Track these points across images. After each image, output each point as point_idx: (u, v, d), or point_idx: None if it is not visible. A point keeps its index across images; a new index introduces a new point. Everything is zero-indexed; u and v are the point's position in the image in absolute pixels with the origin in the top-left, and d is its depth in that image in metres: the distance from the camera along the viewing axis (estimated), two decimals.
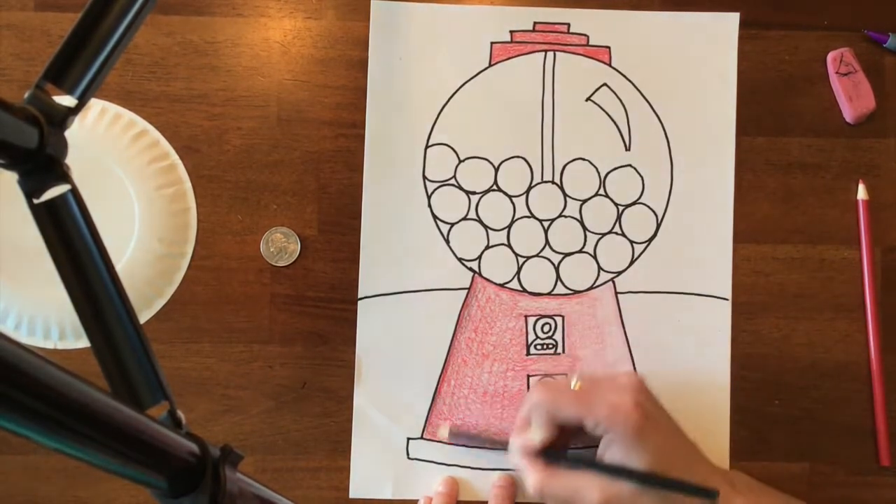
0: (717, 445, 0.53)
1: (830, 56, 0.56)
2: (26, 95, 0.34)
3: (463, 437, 0.53)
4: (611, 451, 0.46)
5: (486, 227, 0.55)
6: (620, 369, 0.54)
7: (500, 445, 0.52)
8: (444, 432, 0.53)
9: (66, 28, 0.51)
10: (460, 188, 0.55)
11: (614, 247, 0.55)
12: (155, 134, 0.54)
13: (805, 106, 0.56)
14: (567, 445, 0.50)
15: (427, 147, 0.55)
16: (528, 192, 0.55)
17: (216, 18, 0.55)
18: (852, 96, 0.55)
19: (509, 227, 0.55)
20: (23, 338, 0.53)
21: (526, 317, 0.54)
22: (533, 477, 0.47)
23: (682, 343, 0.54)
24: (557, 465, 0.47)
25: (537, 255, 0.55)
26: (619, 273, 0.55)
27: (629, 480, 0.45)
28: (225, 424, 0.53)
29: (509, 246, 0.55)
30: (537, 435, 0.47)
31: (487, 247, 0.55)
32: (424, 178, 0.55)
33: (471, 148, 0.55)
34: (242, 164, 0.54)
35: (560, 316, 0.54)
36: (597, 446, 0.48)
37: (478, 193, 0.55)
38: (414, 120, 0.55)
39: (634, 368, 0.54)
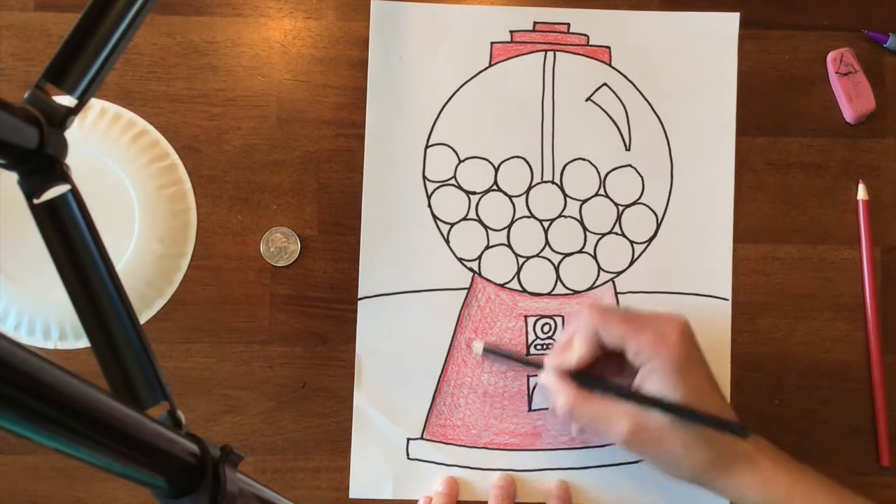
0: None
1: (830, 56, 0.56)
2: (26, 95, 0.34)
3: (496, 354, 0.53)
4: (648, 383, 0.46)
5: (486, 227, 0.55)
6: None
7: (534, 363, 0.51)
8: (477, 346, 0.53)
9: (66, 28, 0.51)
10: (460, 188, 0.55)
11: (614, 247, 0.55)
12: (155, 134, 0.54)
13: (805, 106, 0.56)
14: (601, 380, 0.50)
15: (427, 147, 0.55)
16: (528, 192, 0.55)
17: (216, 18, 0.55)
18: (852, 96, 0.55)
19: (509, 227, 0.55)
20: (23, 338, 0.53)
21: (526, 317, 0.54)
22: (565, 396, 0.47)
23: None
24: (591, 388, 0.47)
25: (537, 256, 0.55)
26: (619, 273, 0.55)
27: (663, 412, 0.45)
28: (225, 424, 0.53)
29: (509, 246, 0.55)
30: (578, 352, 0.47)
31: (487, 247, 0.55)
32: (424, 178, 0.55)
33: (471, 148, 0.55)
34: (242, 164, 0.54)
35: (560, 316, 0.54)
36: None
37: (478, 193, 0.55)
38: (414, 120, 0.55)
39: None
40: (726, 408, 0.48)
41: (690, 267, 0.55)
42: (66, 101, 0.35)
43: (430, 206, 0.55)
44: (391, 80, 0.55)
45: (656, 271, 0.55)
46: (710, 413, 0.45)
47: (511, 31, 0.55)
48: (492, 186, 0.55)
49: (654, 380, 0.45)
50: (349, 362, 0.54)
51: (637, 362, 0.46)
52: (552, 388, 0.48)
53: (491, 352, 0.53)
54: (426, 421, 0.54)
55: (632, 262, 0.55)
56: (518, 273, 0.54)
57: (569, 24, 0.55)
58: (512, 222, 0.55)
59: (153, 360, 0.35)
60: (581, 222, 0.55)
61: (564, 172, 0.55)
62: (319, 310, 0.54)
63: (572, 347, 0.48)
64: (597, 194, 0.55)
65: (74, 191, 0.35)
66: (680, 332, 0.46)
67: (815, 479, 0.47)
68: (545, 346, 0.54)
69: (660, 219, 0.55)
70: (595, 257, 0.55)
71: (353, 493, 0.53)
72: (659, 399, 0.45)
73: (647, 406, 0.45)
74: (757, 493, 0.46)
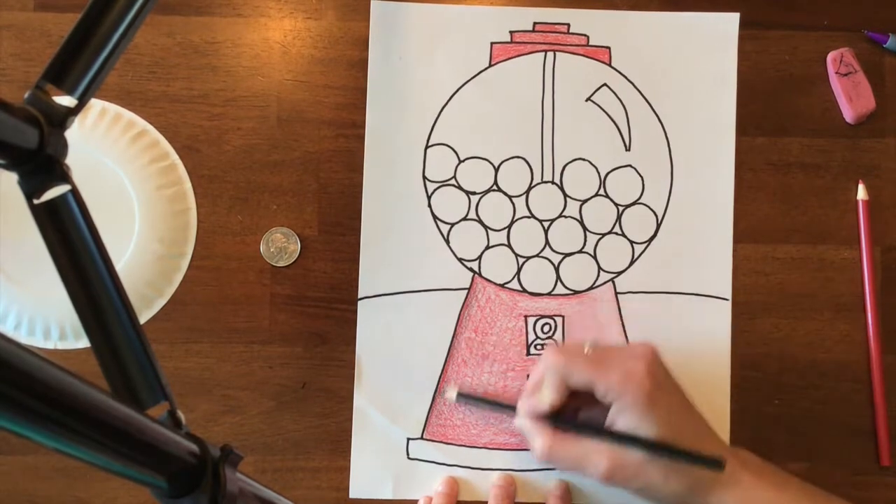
0: None
1: (830, 56, 0.56)
2: (26, 96, 0.34)
3: (470, 400, 0.53)
4: (621, 419, 0.46)
5: (486, 227, 0.55)
6: None
7: (508, 408, 0.51)
8: (451, 394, 0.52)
9: (66, 28, 0.51)
10: (460, 188, 0.55)
11: (614, 247, 0.55)
12: (155, 134, 0.54)
13: (805, 106, 0.56)
14: (575, 416, 0.50)
15: (427, 147, 0.55)
16: (528, 192, 0.55)
17: (216, 18, 0.55)
18: (852, 96, 0.55)
19: (509, 227, 0.55)
20: (23, 338, 0.53)
21: (526, 317, 0.54)
22: (541, 441, 0.47)
23: (682, 343, 0.54)
24: (566, 430, 0.47)
25: (537, 256, 0.55)
26: (619, 273, 0.55)
27: (638, 448, 0.45)
28: (225, 424, 0.53)
29: (509, 246, 0.55)
30: (548, 398, 0.47)
31: (487, 247, 0.55)
32: (424, 178, 0.55)
33: (471, 148, 0.55)
34: (242, 164, 0.54)
35: (560, 316, 0.54)
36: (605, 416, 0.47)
37: (478, 193, 0.55)
38: (414, 120, 0.55)
39: None
40: (704, 431, 0.48)
41: (690, 267, 0.55)
42: (66, 101, 0.35)
43: (430, 206, 0.55)
44: (391, 80, 0.55)
45: (656, 271, 0.55)
46: (684, 447, 0.45)
47: (511, 32, 0.55)
48: (492, 186, 0.55)
49: (625, 416, 0.46)
50: (349, 362, 0.54)
51: (607, 400, 0.46)
52: (527, 432, 0.48)
53: (465, 397, 0.53)
54: (426, 421, 0.54)
55: (632, 262, 0.55)
56: (518, 273, 0.54)
57: (569, 25, 0.55)
58: (512, 222, 0.55)
59: (153, 360, 0.35)
60: (581, 222, 0.55)
61: (564, 172, 0.55)
62: (319, 310, 0.54)
63: (542, 393, 0.48)
64: (597, 194, 0.55)
65: (74, 191, 0.35)
66: (646, 366, 0.46)
67: (800, 490, 0.47)
68: (545, 346, 0.54)
69: (660, 219, 0.55)
70: (595, 257, 0.55)
71: (353, 493, 0.53)
72: (633, 436, 0.45)
73: (622, 444, 0.45)
74: None
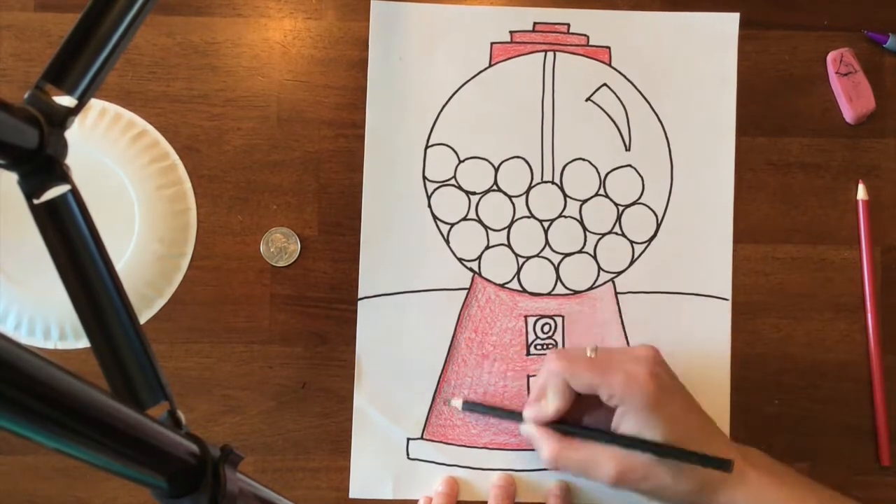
0: None
1: (830, 56, 0.56)
2: (26, 96, 0.34)
3: (476, 408, 0.53)
4: (625, 423, 0.46)
5: (486, 227, 0.55)
6: None
7: (514, 416, 0.51)
8: (456, 403, 0.53)
9: (66, 28, 0.51)
10: (460, 188, 0.55)
11: (614, 247, 0.55)
12: (155, 134, 0.54)
13: (805, 106, 0.56)
14: (581, 419, 0.50)
15: (427, 147, 0.55)
16: (528, 192, 0.55)
17: (216, 19, 0.55)
18: (852, 96, 0.55)
19: (509, 227, 0.55)
20: (23, 338, 0.53)
21: (526, 317, 0.54)
22: (547, 447, 0.47)
23: (682, 343, 0.54)
24: (572, 435, 0.47)
25: (537, 256, 0.55)
26: (619, 273, 0.55)
27: (644, 451, 0.45)
28: (225, 424, 0.53)
29: (509, 246, 0.55)
30: (552, 404, 0.47)
31: (487, 247, 0.55)
32: (424, 178, 0.55)
33: (471, 148, 0.55)
34: (242, 164, 0.54)
35: (560, 316, 0.54)
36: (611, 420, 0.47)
37: (478, 194, 0.55)
38: (414, 120, 0.55)
39: None
40: (710, 430, 0.48)
41: (690, 267, 0.55)
42: (66, 101, 0.35)
43: (430, 206, 0.55)
44: (391, 80, 0.55)
45: (656, 271, 0.55)
46: (691, 449, 0.45)
47: (511, 32, 0.55)
48: (492, 186, 0.55)
49: (630, 420, 0.46)
50: (349, 362, 0.54)
51: (612, 404, 0.46)
52: (534, 439, 0.49)
53: (470, 406, 0.53)
54: (426, 421, 0.54)
55: (632, 262, 0.55)
56: (518, 273, 0.54)
57: (569, 25, 0.55)
58: (512, 222, 0.55)
59: (153, 360, 0.35)
60: (581, 222, 0.55)
61: (564, 172, 0.55)
62: (319, 310, 0.54)
63: (546, 400, 0.48)
64: (597, 194, 0.55)
65: (74, 191, 0.35)
66: (649, 368, 0.46)
67: (807, 487, 0.47)
68: (545, 346, 0.54)
69: (660, 219, 0.55)
70: (595, 257, 0.55)
71: (353, 493, 0.53)
72: (640, 440, 0.45)
73: (629, 447, 0.45)
74: None
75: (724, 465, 0.44)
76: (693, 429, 0.47)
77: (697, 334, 0.54)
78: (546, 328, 0.54)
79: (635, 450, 0.45)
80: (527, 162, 0.55)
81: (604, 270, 0.55)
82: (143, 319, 0.53)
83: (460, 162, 0.55)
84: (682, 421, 0.46)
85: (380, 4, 0.55)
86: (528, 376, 0.54)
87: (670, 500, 0.47)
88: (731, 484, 0.46)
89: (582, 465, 0.46)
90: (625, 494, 0.52)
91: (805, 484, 0.47)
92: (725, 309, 0.54)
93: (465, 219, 0.55)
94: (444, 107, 0.55)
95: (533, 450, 0.53)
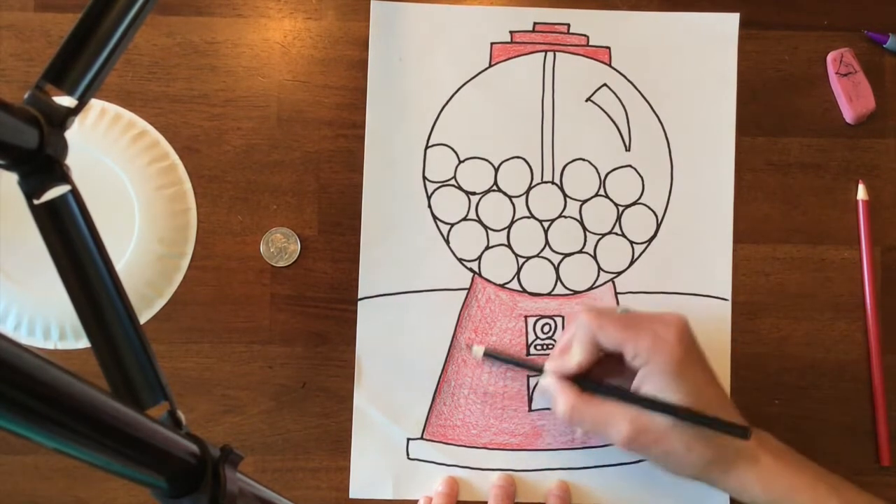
0: None
1: (830, 56, 0.56)
2: (26, 96, 0.34)
3: (496, 359, 0.53)
4: (647, 384, 0.46)
5: (486, 227, 0.55)
6: None
7: (535, 367, 0.51)
8: (478, 351, 0.53)
9: (66, 28, 0.51)
10: (460, 188, 0.55)
11: (614, 247, 0.55)
12: (155, 134, 0.54)
13: (805, 106, 0.56)
14: (601, 382, 0.50)
15: (427, 147, 0.55)
16: (528, 192, 0.55)
17: (216, 19, 0.55)
18: (852, 96, 0.55)
19: (509, 227, 0.55)
20: (23, 338, 0.53)
21: (526, 317, 0.54)
22: (565, 400, 0.47)
23: None
24: (591, 392, 0.47)
25: (537, 256, 0.55)
26: (619, 273, 0.55)
27: (664, 413, 0.45)
28: (225, 424, 0.53)
29: (509, 246, 0.55)
30: (576, 356, 0.47)
31: (487, 247, 0.55)
32: (424, 178, 0.55)
33: (471, 148, 0.55)
34: (242, 164, 0.54)
35: (560, 316, 0.54)
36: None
37: (478, 194, 0.55)
38: (414, 120, 0.55)
39: None
40: (727, 405, 0.48)
41: (690, 267, 0.55)
42: (66, 101, 0.35)
43: (430, 206, 0.55)
44: (391, 81, 0.55)
45: (656, 271, 0.55)
46: (711, 414, 0.45)
47: (511, 32, 0.55)
48: (492, 187, 0.55)
49: (652, 382, 0.45)
50: (349, 362, 0.54)
51: (635, 365, 0.46)
52: (553, 392, 0.48)
53: (491, 356, 0.53)
54: (426, 421, 0.54)
55: (632, 263, 0.55)
56: (518, 273, 0.54)
57: (569, 25, 0.55)
58: (512, 222, 0.55)
59: (153, 360, 0.35)
60: (581, 222, 0.55)
61: (564, 172, 0.55)
62: (319, 310, 0.54)
63: (571, 352, 0.48)
64: (597, 194, 0.55)
65: (74, 191, 0.35)
66: (677, 333, 0.46)
67: (817, 474, 0.47)
68: (545, 346, 0.54)
69: (660, 219, 0.55)
70: (595, 257, 0.55)
71: (353, 493, 0.53)
72: (660, 401, 0.45)
73: (648, 409, 0.45)
74: (759, 488, 0.46)
75: (742, 431, 0.44)
76: (712, 400, 0.46)
77: (697, 334, 0.54)
78: (546, 328, 0.54)
79: (654, 411, 0.45)
80: (527, 162, 0.55)
81: (604, 271, 0.55)
82: (143, 319, 0.53)
83: (460, 162, 0.55)
84: (702, 390, 0.46)
85: (380, 4, 0.55)
86: (528, 376, 0.54)
87: (678, 471, 0.47)
88: (743, 464, 0.46)
89: (596, 422, 0.46)
90: (626, 494, 0.52)
91: (816, 471, 0.47)
92: (725, 309, 0.54)
93: (465, 219, 0.55)
94: (444, 107, 0.55)
95: (533, 449, 0.53)
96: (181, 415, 0.33)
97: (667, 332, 0.46)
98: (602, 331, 0.46)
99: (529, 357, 0.54)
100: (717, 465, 0.46)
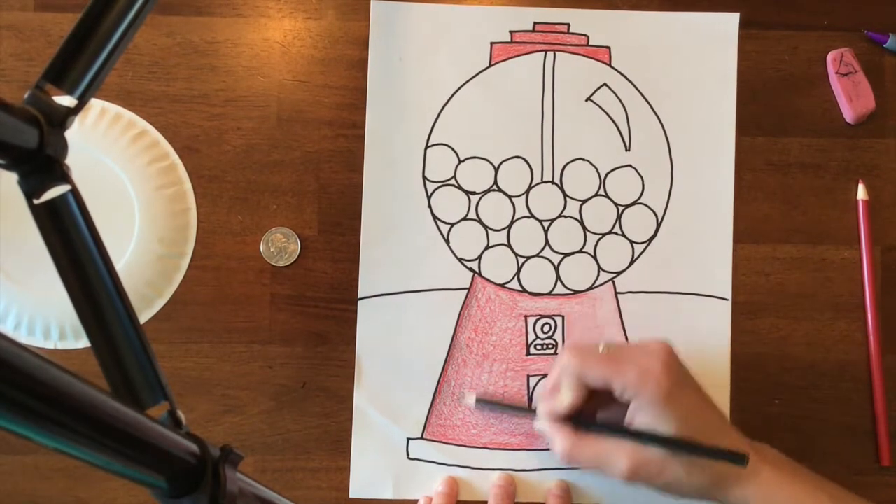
0: None
1: (830, 56, 0.56)
2: (26, 96, 0.34)
3: (488, 405, 0.53)
4: (639, 417, 0.46)
5: (486, 227, 0.55)
6: None
7: (527, 412, 0.51)
8: (469, 400, 0.53)
9: (66, 28, 0.51)
10: (460, 188, 0.55)
11: (614, 247, 0.55)
12: (155, 134, 0.54)
13: (805, 106, 0.56)
14: (594, 415, 0.50)
15: (427, 147, 0.55)
16: (528, 192, 0.55)
17: (216, 18, 0.55)
18: (852, 96, 0.55)
19: (509, 227, 0.55)
20: (23, 338, 0.53)
21: (526, 317, 0.54)
22: (561, 442, 0.47)
23: (682, 343, 0.54)
24: (586, 430, 0.47)
25: (537, 256, 0.55)
26: (619, 273, 0.55)
27: (658, 446, 0.45)
28: (225, 424, 0.53)
29: (509, 246, 0.55)
30: (566, 399, 0.47)
31: (487, 247, 0.55)
32: (424, 178, 0.55)
33: (471, 148, 0.55)
34: (242, 164, 0.54)
35: (560, 316, 0.54)
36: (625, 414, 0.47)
37: (478, 193, 0.55)
38: (414, 120, 0.55)
39: None
40: (724, 426, 0.48)
41: (690, 267, 0.55)
42: (66, 101, 0.35)
43: (430, 206, 0.55)
44: (391, 80, 0.55)
45: (656, 271, 0.55)
46: (706, 443, 0.45)
47: (511, 32, 0.55)
48: (492, 186, 0.55)
49: (644, 414, 0.46)
50: (349, 362, 0.54)
51: (625, 399, 0.46)
52: (548, 434, 0.48)
53: (484, 402, 0.53)
54: (426, 421, 0.54)
55: (632, 262, 0.55)
56: (518, 273, 0.54)
57: (569, 25, 0.55)
58: (512, 222, 0.55)
59: (153, 360, 0.35)
60: (581, 222, 0.55)
61: (564, 172, 0.55)
62: (319, 310, 0.54)
63: (560, 394, 0.48)
64: (597, 194, 0.55)
65: (74, 191, 0.35)
66: (663, 362, 0.46)
67: (818, 483, 0.47)
68: (545, 346, 0.54)
69: (660, 219, 0.55)
70: (595, 257, 0.55)
71: (353, 493, 0.53)
72: (654, 434, 0.45)
73: (643, 442, 0.45)
74: (761, 501, 0.46)
75: (738, 458, 0.44)
76: (707, 423, 0.46)
77: (697, 334, 0.54)
78: (546, 328, 0.54)
79: (649, 444, 0.45)
80: (527, 162, 0.55)
81: (604, 270, 0.55)
82: (143, 319, 0.53)
83: (460, 162, 0.55)
84: (696, 415, 0.46)
85: (380, 4, 0.55)
86: (528, 376, 0.54)
87: (684, 495, 0.47)
88: (744, 479, 0.46)
89: (596, 460, 0.46)
90: (625, 496, 0.52)
91: (817, 481, 0.47)
92: (725, 309, 0.54)
93: (465, 219, 0.55)
94: (444, 107, 0.55)
95: (533, 449, 0.53)
96: (181, 415, 0.33)
97: (652, 363, 0.46)
98: (587, 370, 0.47)
99: (520, 403, 0.53)
100: (719, 486, 0.46)
